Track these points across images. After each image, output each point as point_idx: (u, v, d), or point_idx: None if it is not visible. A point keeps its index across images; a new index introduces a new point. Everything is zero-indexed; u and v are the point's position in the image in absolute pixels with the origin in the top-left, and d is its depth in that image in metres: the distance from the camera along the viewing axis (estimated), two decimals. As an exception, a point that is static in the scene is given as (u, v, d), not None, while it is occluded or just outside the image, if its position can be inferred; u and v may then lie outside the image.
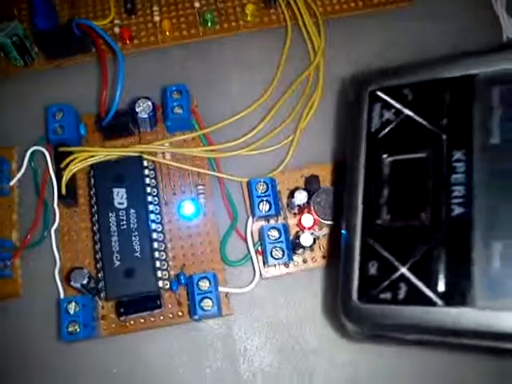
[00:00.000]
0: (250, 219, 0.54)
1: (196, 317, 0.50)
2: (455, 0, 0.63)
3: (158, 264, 0.51)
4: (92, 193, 0.54)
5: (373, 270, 0.39)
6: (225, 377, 0.52)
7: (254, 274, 0.53)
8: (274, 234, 0.51)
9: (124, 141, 0.57)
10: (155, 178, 0.55)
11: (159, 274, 0.51)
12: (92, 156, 0.55)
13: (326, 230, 0.54)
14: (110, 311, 0.52)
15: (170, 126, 0.57)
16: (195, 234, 0.55)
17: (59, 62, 0.61)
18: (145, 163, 0.54)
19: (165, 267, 0.52)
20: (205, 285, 0.50)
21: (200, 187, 0.55)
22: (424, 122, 0.41)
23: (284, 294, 0.54)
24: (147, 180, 0.54)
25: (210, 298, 0.50)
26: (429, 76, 0.42)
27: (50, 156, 0.56)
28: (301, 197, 0.52)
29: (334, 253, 0.53)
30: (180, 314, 0.53)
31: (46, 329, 0.53)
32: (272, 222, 0.54)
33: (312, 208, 0.52)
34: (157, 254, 0.51)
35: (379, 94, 0.43)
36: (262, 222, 0.54)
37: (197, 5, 0.62)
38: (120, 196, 0.53)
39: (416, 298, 0.37)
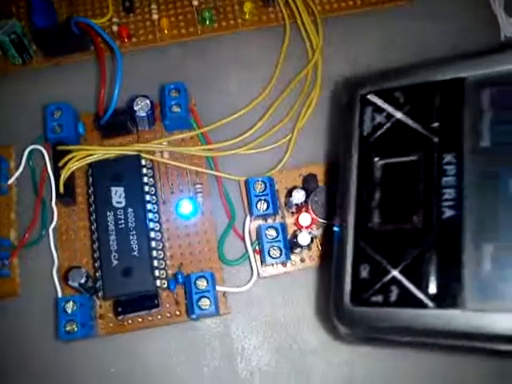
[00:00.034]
0: (248, 218, 0.54)
1: (194, 316, 0.50)
2: (454, -1, 0.63)
3: (155, 263, 0.51)
4: (90, 191, 0.54)
5: (364, 272, 0.39)
6: (222, 376, 0.52)
7: (252, 273, 0.53)
8: (272, 233, 0.51)
9: (122, 139, 0.57)
10: (153, 176, 0.55)
11: (157, 273, 0.51)
12: (90, 155, 0.55)
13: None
14: (107, 310, 0.53)
15: (168, 124, 0.57)
16: (193, 233, 0.55)
17: (57, 60, 0.61)
18: (143, 162, 0.54)
19: (162, 266, 0.52)
20: (202, 284, 0.50)
21: (198, 186, 0.55)
22: (415, 125, 0.41)
23: (282, 293, 0.54)
24: (145, 179, 0.54)
25: (208, 297, 0.50)
26: (419, 79, 0.42)
27: (49, 154, 0.55)
28: (299, 196, 0.52)
29: (329, 253, 0.53)
30: (178, 313, 0.53)
31: (43, 328, 0.53)
32: (270, 221, 0.54)
33: (310, 207, 0.52)
34: (155, 253, 0.51)
35: (370, 97, 0.43)
36: (260, 221, 0.54)
37: (195, 3, 0.62)
38: (118, 195, 0.53)
39: (407, 300, 0.37)
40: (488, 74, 0.39)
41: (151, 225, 0.52)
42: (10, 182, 0.56)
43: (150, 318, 0.52)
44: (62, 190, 0.54)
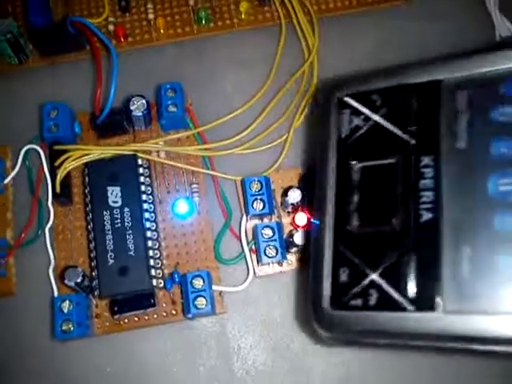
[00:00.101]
0: (244, 218, 0.54)
1: (190, 315, 0.50)
2: (449, -1, 0.63)
3: (151, 262, 0.51)
4: (86, 191, 0.54)
5: (344, 276, 0.39)
6: (218, 375, 0.52)
7: (248, 273, 0.53)
8: (268, 232, 0.52)
9: (118, 139, 0.57)
10: (149, 176, 0.55)
11: (153, 272, 0.51)
12: (86, 154, 0.55)
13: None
14: (103, 310, 0.53)
15: (164, 124, 0.57)
16: (189, 233, 0.55)
17: (53, 60, 0.61)
18: (139, 162, 0.54)
19: (159, 266, 0.52)
20: (199, 283, 0.50)
21: (194, 186, 0.55)
22: (393, 128, 0.40)
23: (278, 292, 0.54)
24: (141, 178, 0.54)
25: (204, 297, 0.50)
26: (396, 81, 0.41)
27: (45, 154, 0.56)
28: (294, 195, 0.52)
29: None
30: (174, 312, 0.53)
31: (39, 327, 0.53)
32: (266, 220, 0.54)
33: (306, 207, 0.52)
34: (151, 253, 0.52)
35: (348, 100, 0.43)
36: (256, 221, 0.54)
37: (191, 2, 0.62)
38: (114, 194, 0.53)
39: (387, 303, 0.36)
40: (465, 77, 0.39)
41: (147, 224, 0.52)
42: (6, 181, 0.56)
43: (146, 318, 0.52)
44: (58, 189, 0.54)
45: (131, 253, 0.51)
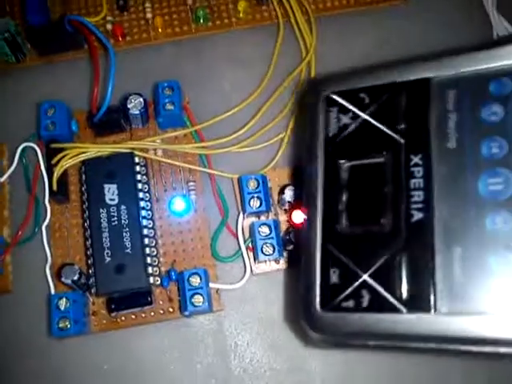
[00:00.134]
0: (241, 215, 0.54)
1: (187, 313, 0.50)
2: (447, -1, 0.63)
3: (148, 260, 0.51)
4: (83, 189, 0.54)
5: (334, 277, 0.38)
6: (216, 372, 0.52)
7: (245, 270, 0.53)
8: (265, 230, 0.51)
9: (115, 137, 0.57)
10: (146, 174, 0.55)
11: (150, 270, 0.51)
12: (83, 152, 0.55)
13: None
14: (100, 307, 0.53)
15: (161, 122, 0.57)
16: (186, 231, 0.55)
17: (51, 59, 0.61)
18: (136, 159, 0.54)
19: (156, 263, 0.52)
20: (196, 281, 0.50)
21: (191, 183, 0.55)
22: (381, 127, 0.40)
23: (275, 290, 0.54)
24: (138, 176, 0.54)
25: (201, 294, 0.50)
26: (385, 79, 0.41)
27: (42, 152, 0.55)
28: (291, 193, 0.52)
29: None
30: (171, 310, 0.53)
31: (36, 325, 0.53)
32: (263, 218, 0.54)
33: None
34: (148, 250, 0.51)
35: (335, 97, 0.43)
36: (253, 219, 0.54)
37: (189, 1, 0.62)
38: (111, 192, 0.53)
39: (379, 305, 0.36)
40: (454, 75, 0.39)
41: (144, 222, 0.52)
42: (2, 179, 0.56)
43: (143, 315, 0.52)
44: (55, 187, 0.54)
45: (128, 250, 0.51)
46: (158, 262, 0.53)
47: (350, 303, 0.37)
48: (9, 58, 0.60)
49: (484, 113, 0.37)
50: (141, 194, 0.53)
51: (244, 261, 0.54)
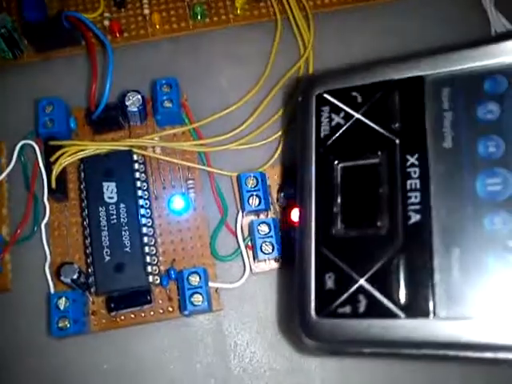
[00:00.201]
0: (240, 214, 0.54)
1: (186, 312, 0.50)
2: (445, -5, 0.63)
3: (148, 259, 0.51)
4: (82, 187, 0.53)
5: (330, 282, 0.38)
6: (215, 372, 0.52)
7: (244, 269, 0.53)
8: (264, 228, 0.51)
9: (114, 135, 0.57)
10: (145, 172, 0.55)
11: (149, 268, 0.51)
12: (82, 150, 0.55)
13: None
14: (100, 306, 0.52)
15: (159, 119, 0.56)
16: (185, 229, 0.55)
17: (48, 55, 0.60)
18: (135, 157, 0.54)
19: (155, 262, 0.52)
20: (195, 280, 0.50)
21: (190, 182, 0.55)
22: (375, 126, 0.40)
23: (274, 289, 0.54)
24: (137, 174, 0.53)
25: (200, 293, 0.50)
26: (377, 78, 0.41)
27: (40, 150, 0.55)
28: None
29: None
30: (170, 309, 0.53)
31: (35, 324, 0.53)
32: (262, 216, 0.54)
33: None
34: (147, 249, 0.51)
35: (327, 96, 0.42)
36: (252, 217, 0.54)
37: (187, -2, 0.62)
38: (110, 190, 0.52)
39: (377, 310, 0.36)
40: (448, 73, 0.38)
41: (143, 220, 0.52)
42: (1, 177, 0.56)
43: (143, 314, 0.52)
44: (53, 185, 0.53)
45: (127, 249, 0.51)
46: (158, 260, 0.53)
47: (347, 309, 0.37)
48: (6, 55, 0.59)
49: (480, 111, 0.37)
50: (139, 192, 0.53)
51: (243, 260, 0.53)
